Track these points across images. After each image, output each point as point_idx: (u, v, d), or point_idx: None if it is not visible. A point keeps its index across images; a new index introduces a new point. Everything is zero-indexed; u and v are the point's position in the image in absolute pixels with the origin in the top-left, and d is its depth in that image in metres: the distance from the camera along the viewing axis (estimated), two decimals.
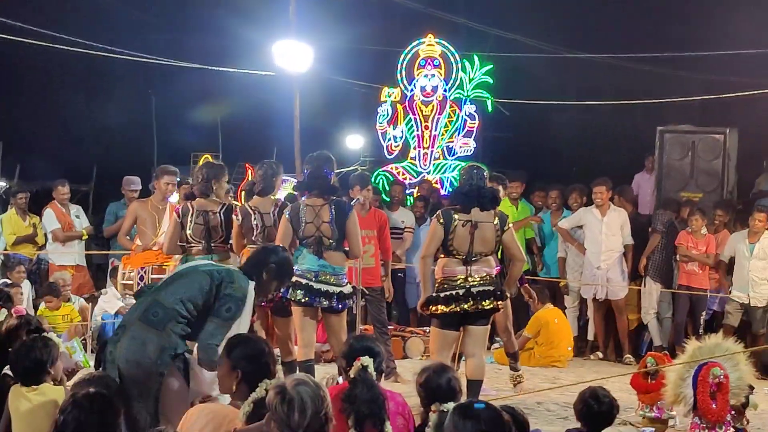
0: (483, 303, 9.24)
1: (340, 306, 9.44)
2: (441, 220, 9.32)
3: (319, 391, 5.02)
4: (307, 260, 9.38)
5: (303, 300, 9.32)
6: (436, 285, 9.38)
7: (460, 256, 9.30)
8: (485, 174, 9.64)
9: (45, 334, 7.26)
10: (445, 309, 9.24)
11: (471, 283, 9.25)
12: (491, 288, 9.31)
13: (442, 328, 9.38)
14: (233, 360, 5.84)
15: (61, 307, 13.26)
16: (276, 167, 10.12)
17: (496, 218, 9.38)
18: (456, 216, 9.31)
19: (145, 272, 11.50)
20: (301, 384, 5.02)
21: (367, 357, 5.91)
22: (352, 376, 5.89)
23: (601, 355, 14.20)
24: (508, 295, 9.76)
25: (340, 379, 6.35)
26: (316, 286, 9.32)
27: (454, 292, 9.24)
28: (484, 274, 9.33)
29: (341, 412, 5.73)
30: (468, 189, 9.42)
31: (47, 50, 18.02)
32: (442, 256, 9.41)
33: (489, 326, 9.67)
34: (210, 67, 20.13)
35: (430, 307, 9.34)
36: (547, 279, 14.50)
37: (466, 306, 9.20)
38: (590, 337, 14.46)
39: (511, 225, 9.57)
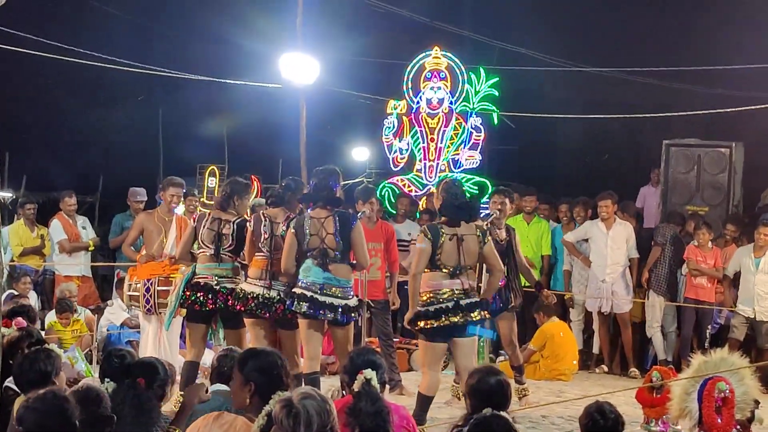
0: (472, 315, 9.29)
1: (345, 319, 9.46)
2: (429, 236, 9.33)
3: (325, 404, 5.02)
4: (312, 273, 9.40)
5: (307, 312, 9.34)
6: (423, 299, 9.37)
7: (447, 269, 9.32)
8: (463, 188, 9.85)
9: (46, 345, 7.28)
10: (434, 323, 9.25)
11: (458, 296, 9.29)
12: (478, 299, 9.39)
13: (432, 341, 9.38)
14: (246, 373, 5.83)
15: (71, 321, 13.35)
16: (297, 184, 10.17)
17: (478, 230, 9.43)
18: (443, 230, 9.35)
19: (151, 284, 11.49)
20: (307, 397, 5.01)
21: (369, 370, 5.90)
22: (355, 389, 5.87)
23: (606, 368, 14.21)
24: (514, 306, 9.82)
25: (345, 392, 6.35)
26: (321, 298, 9.34)
27: (443, 306, 9.26)
28: (468, 287, 9.39)
29: (346, 426, 5.74)
30: (460, 203, 9.48)
31: (54, 61, 18.02)
32: (427, 270, 9.41)
33: (477, 336, 9.69)
34: (216, 80, 20.14)
35: (419, 322, 9.34)
36: (553, 292, 14.51)
37: (455, 319, 9.24)
38: (595, 350, 14.47)
39: (489, 238, 9.58)
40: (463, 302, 9.27)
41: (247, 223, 9.96)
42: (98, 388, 6.09)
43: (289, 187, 10.08)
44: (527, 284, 11.96)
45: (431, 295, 9.33)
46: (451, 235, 9.31)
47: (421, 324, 9.32)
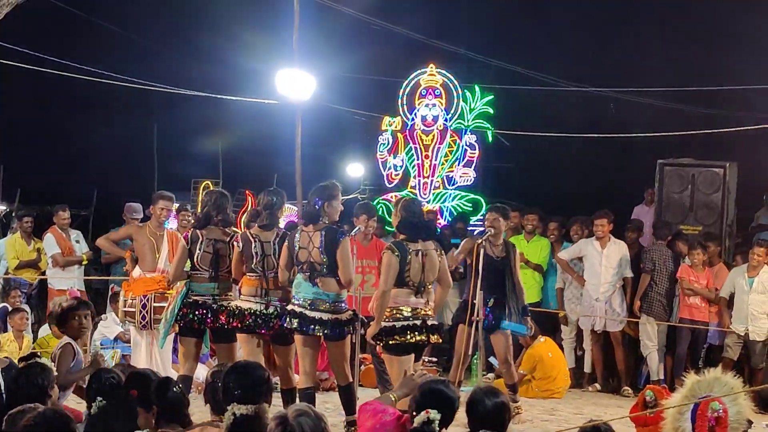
0: (433, 337, 9.45)
1: (336, 333, 9.43)
2: (396, 253, 9.39)
3: (320, 422, 5.03)
4: (302, 288, 9.44)
5: (298, 329, 9.35)
6: (388, 314, 9.43)
7: (413, 286, 9.40)
8: (422, 207, 10.10)
9: (39, 359, 7.29)
10: (401, 339, 9.31)
11: (424, 315, 9.43)
12: (437, 322, 9.56)
13: (400, 355, 9.40)
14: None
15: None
16: (280, 198, 10.15)
17: (435, 245, 9.56)
18: (410, 246, 9.44)
19: (147, 300, 11.49)
20: (302, 414, 5.02)
21: (435, 412, 5.70)
22: (415, 425, 5.74)
23: (599, 386, 14.20)
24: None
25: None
26: (310, 314, 9.33)
27: (410, 323, 9.35)
28: (430, 308, 9.55)
29: None
30: (417, 221, 9.61)
31: (51, 76, 18.07)
32: (395, 287, 9.45)
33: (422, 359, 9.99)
34: (212, 95, 20.17)
35: (385, 338, 9.38)
36: (545, 310, 14.52)
37: (421, 337, 9.35)
38: (587, 368, 14.46)
39: (441, 252, 9.68)
40: (429, 322, 9.42)
41: (235, 242, 9.94)
42: None
43: (279, 204, 10.09)
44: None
45: (396, 311, 9.42)
46: (416, 251, 9.42)
47: (388, 340, 9.37)
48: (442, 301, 9.94)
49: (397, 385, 7.10)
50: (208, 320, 9.89)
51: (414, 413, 5.81)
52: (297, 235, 9.49)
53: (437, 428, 5.72)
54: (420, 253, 9.41)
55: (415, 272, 9.39)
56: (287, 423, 4.97)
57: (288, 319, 9.37)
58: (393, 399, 6.61)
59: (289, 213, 17.79)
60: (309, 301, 9.36)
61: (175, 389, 6.31)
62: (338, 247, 9.39)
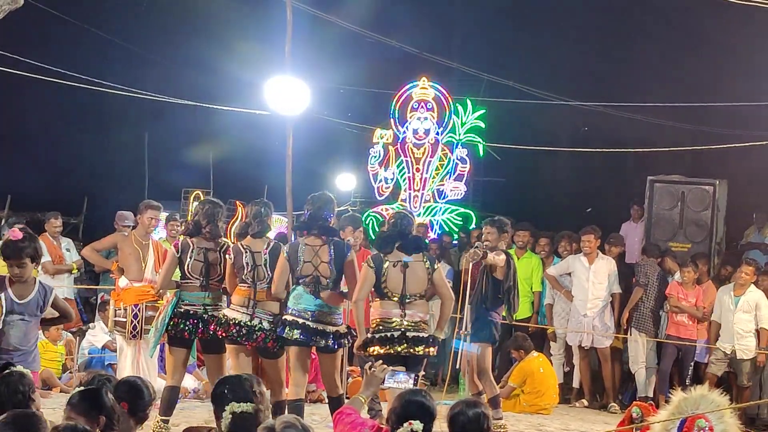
0: (416, 348, 9.41)
1: (335, 345, 9.54)
2: (371, 264, 9.48)
3: None
4: (303, 299, 9.48)
5: (300, 339, 9.39)
6: (373, 326, 9.52)
7: (395, 297, 9.45)
8: (413, 222, 9.94)
9: (15, 368, 7.27)
10: (380, 350, 9.35)
11: (406, 327, 9.43)
12: (425, 335, 9.49)
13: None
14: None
15: (61, 341, 13.38)
16: (267, 208, 10.16)
17: (426, 259, 9.58)
18: (386, 258, 9.50)
19: (139, 310, 11.48)
20: (289, 426, 5.04)
21: (418, 422, 5.78)
22: None
23: (586, 402, 14.22)
24: (440, 337, 9.83)
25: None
26: (313, 325, 9.41)
27: (389, 334, 9.39)
28: (419, 320, 9.54)
29: None
30: (388, 234, 9.68)
31: (42, 83, 18.03)
32: (377, 299, 9.55)
33: (420, 373, 9.85)
34: (203, 105, 20.17)
35: (368, 348, 9.46)
36: (535, 326, 14.53)
37: (399, 348, 9.36)
38: (575, 384, 14.49)
39: (439, 266, 9.73)
40: (409, 334, 9.40)
41: (227, 255, 9.94)
42: None
43: (267, 213, 10.08)
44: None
45: (379, 322, 9.49)
46: (395, 262, 9.47)
47: (370, 350, 9.44)
48: (446, 315, 9.86)
49: (362, 385, 7.12)
50: (199, 330, 9.87)
51: (395, 426, 5.84)
52: (300, 248, 9.52)
53: None
54: (400, 263, 9.44)
55: (394, 284, 9.44)
56: None
57: (287, 330, 9.40)
58: (362, 400, 6.69)
59: (279, 225, 17.80)
60: (311, 313, 9.42)
61: (109, 399, 6.17)
62: (347, 260, 9.56)
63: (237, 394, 5.88)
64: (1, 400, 6.78)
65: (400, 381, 7.89)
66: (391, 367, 7.58)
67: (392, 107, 19.31)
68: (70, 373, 13.35)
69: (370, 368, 7.08)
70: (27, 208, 22.12)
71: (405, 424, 5.77)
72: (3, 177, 23.06)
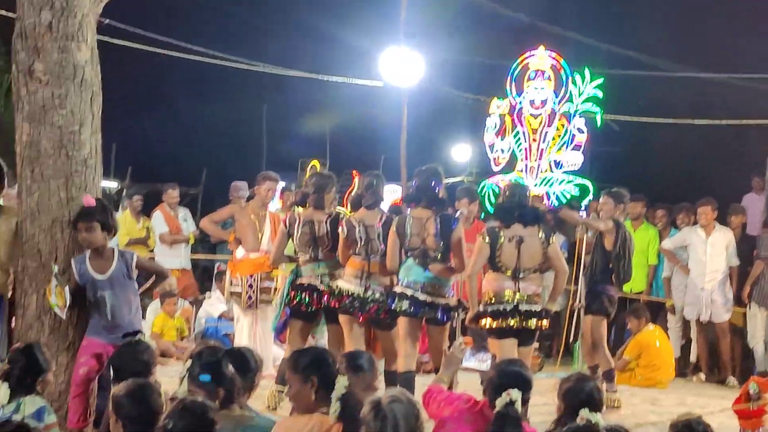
0: (529, 322, 9.41)
1: (444, 318, 9.56)
2: (486, 238, 9.49)
3: (413, 409, 5.05)
4: (413, 272, 9.52)
5: (408, 311, 9.43)
6: (485, 299, 9.53)
7: (508, 271, 9.42)
8: (528, 192, 10.01)
9: (141, 337, 7.43)
10: (492, 323, 9.39)
11: (519, 300, 9.41)
12: (538, 308, 9.46)
13: (499, 339, 9.45)
14: (302, 372, 5.89)
15: (177, 312, 13.61)
16: (379, 179, 10.18)
17: (541, 232, 9.51)
18: (501, 233, 9.44)
19: (254, 280, 11.60)
20: (395, 401, 5.05)
21: (516, 391, 5.80)
22: (497, 409, 5.79)
23: (703, 377, 14.00)
24: (553, 309, 9.75)
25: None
26: (422, 297, 9.46)
27: (501, 307, 9.39)
28: (532, 293, 9.49)
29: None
30: (509, 205, 9.63)
31: (161, 55, 18.30)
32: (491, 271, 9.55)
33: (534, 346, 9.94)
34: (319, 76, 20.26)
35: (480, 320, 9.49)
36: (652, 299, 14.35)
37: (512, 322, 9.37)
38: (693, 358, 14.27)
39: (554, 239, 9.65)
40: (522, 307, 9.39)
41: (339, 228, 9.98)
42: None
43: (378, 183, 10.10)
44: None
45: (493, 295, 9.48)
46: (511, 236, 9.43)
47: (482, 323, 9.48)
48: (559, 287, 9.81)
49: (442, 365, 7.12)
50: (314, 302, 9.99)
51: (493, 396, 5.84)
52: (407, 221, 9.56)
53: (520, 408, 5.76)
54: (515, 239, 9.38)
55: (508, 258, 9.40)
56: (380, 408, 5.01)
57: (396, 301, 9.47)
58: (444, 380, 6.71)
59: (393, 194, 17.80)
60: (420, 285, 9.47)
61: (232, 370, 6.21)
62: (453, 233, 9.53)
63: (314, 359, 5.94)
64: (123, 367, 6.96)
65: (481, 360, 7.89)
66: (469, 347, 7.60)
67: (508, 77, 19.14)
68: (186, 340, 13.56)
69: (451, 351, 7.07)
70: (147, 180, 22.49)
71: (503, 394, 5.78)
72: (124, 149, 23.49)
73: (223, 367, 6.14)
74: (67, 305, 7.91)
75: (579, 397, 5.99)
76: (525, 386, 5.94)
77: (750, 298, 13.76)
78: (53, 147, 7.98)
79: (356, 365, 6.40)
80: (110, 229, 8.10)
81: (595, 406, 5.92)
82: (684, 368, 14.24)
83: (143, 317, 14.05)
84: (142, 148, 25.21)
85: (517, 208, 9.58)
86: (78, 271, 7.98)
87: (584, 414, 5.74)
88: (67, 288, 7.90)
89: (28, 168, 8.03)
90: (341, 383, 5.57)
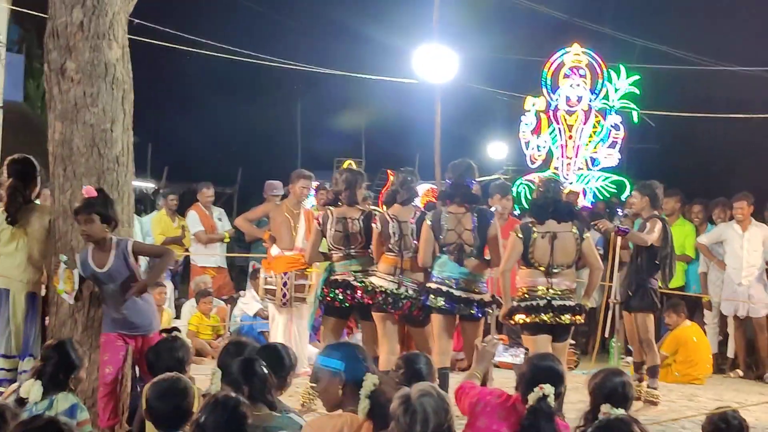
0: (562, 317, 9.32)
1: (479, 314, 9.54)
2: (519, 234, 9.40)
3: (443, 403, 5.02)
4: (448, 267, 9.48)
5: (444, 307, 9.41)
6: (519, 295, 9.45)
7: (541, 267, 9.35)
8: (561, 188, 9.86)
9: (178, 334, 7.45)
10: (526, 319, 9.32)
11: (552, 296, 9.32)
12: (571, 303, 9.38)
13: (533, 335, 9.37)
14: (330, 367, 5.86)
15: (212, 311, 13.66)
16: (413, 176, 10.18)
17: (575, 228, 9.41)
18: (534, 228, 9.39)
19: (288, 278, 11.60)
20: (425, 395, 5.02)
21: (549, 386, 5.77)
22: (530, 403, 5.78)
23: (741, 373, 13.88)
24: (588, 305, 9.69)
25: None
26: (457, 293, 9.43)
27: (534, 303, 9.31)
28: (565, 288, 9.41)
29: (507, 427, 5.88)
30: (543, 201, 9.52)
31: (195, 56, 18.37)
32: (524, 267, 9.46)
33: (568, 342, 9.77)
34: (352, 74, 20.25)
35: (513, 316, 9.43)
36: (688, 294, 14.25)
37: (545, 317, 9.28)
38: (730, 354, 14.16)
39: (588, 235, 9.55)
40: (555, 303, 9.31)
41: (373, 224, 9.97)
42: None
43: (407, 181, 10.09)
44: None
45: (526, 291, 9.40)
46: (544, 232, 9.36)
47: (516, 319, 9.41)
48: (594, 284, 9.72)
49: (474, 360, 7.07)
50: (348, 298, 9.99)
51: (525, 391, 5.81)
52: (442, 217, 9.53)
53: (553, 402, 5.72)
54: (549, 235, 9.33)
55: (541, 254, 9.33)
56: (410, 403, 4.98)
57: (431, 297, 9.44)
58: (477, 376, 6.67)
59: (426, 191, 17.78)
60: (455, 281, 9.44)
61: (261, 369, 6.16)
62: (490, 228, 9.52)
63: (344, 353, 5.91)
64: (158, 363, 6.99)
65: (514, 355, 7.84)
66: (501, 341, 7.57)
67: (544, 74, 19.11)
68: (222, 339, 13.58)
69: (483, 346, 7.03)
70: (183, 179, 22.58)
71: (536, 389, 5.76)
72: (160, 149, 23.62)
73: (249, 364, 6.12)
74: (75, 290, 7.91)
75: (603, 392, 5.97)
76: (557, 380, 5.91)
77: None
78: (85, 145, 8.01)
79: (415, 370, 6.42)
80: (110, 221, 7.91)
81: (619, 401, 5.91)
82: (722, 364, 14.13)
83: (178, 316, 14.19)
84: (178, 148, 25.31)
85: (551, 204, 9.52)
86: (81, 265, 7.93)
87: (605, 409, 5.74)
88: (76, 271, 7.89)
89: (61, 166, 8.07)
90: (369, 381, 5.54)
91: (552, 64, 19.06)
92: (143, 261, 9.79)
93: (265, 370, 6.14)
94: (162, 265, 8.44)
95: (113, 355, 7.89)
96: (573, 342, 13.67)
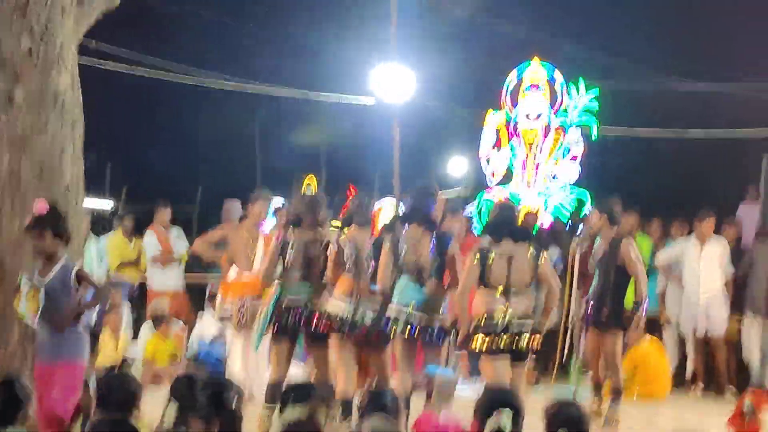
0: (520, 341, 9.30)
1: (440, 338, 9.58)
2: (476, 259, 9.36)
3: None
4: (408, 290, 9.51)
5: (404, 332, 9.38)
6: (476, 319, 9.36)
7: (499, 288, 9.30)
8: (517, 210, 10.20)
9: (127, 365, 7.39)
10: (483, 344, 9.23)
11: (510, 318, 9.26)
12: (529, 326, 9.35)
13: (492, 359, 9.32)
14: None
15: (170, 335, 13.53)
16: (369, 198, 10.18)
17: (531, 249, 9.39)
18: (492, 249, 9.37)
19: (245, 301, 11.53)
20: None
21: (507, 412, 5.75)
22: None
23: (702, 385, 13.85)
24: (546, 326, 9.69)
25: None
26: (417, 317, 9.45)
27: (492, 327, 9.26)
28: (523, 310, 9.38)
29: None
30: (499, 221, 9.57)
31: (153, 75, 18.27)
32: (482, 287, 9.42)
33: (527, 364, 9.76)
34: (310, 94, 20.24)
35: (472, 341, 9.34)
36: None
37: (503, 341, 9.23)
38: (689, 371, 14.16)
39: (545, 255, 9.54)
40: (513, 326, 9.26)
41: (330, 244, 9.91)
42: None
43: (368, 203, 10.10)
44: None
45: (483, 313, 9.34)
46: (501, 253, 9.31)
47: (473, 343, 9.32)
48: (550, 304, 9.70)
49: (434, 395, 7.05)
50: (302, 323, 9.92)
51: (483, 417, 5.78)
52: (401, 240, 9.56)
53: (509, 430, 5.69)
54: (504, 256, 9.30)
55: (498, 274, 9.30)
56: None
57: (392, 322, 9.45)
58: (437, 409, 6.67)
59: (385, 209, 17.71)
60: (416, 304, 9.44)
61: (232, 402, 6.12)
62: (449, 250, 9.57)
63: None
64: (109, 394, 6.87)
65: (476, 390, 7.81)
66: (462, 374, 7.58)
67: (503, 89, 19.08)
68: (178, 362, 13.46)
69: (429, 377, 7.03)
70: (142, 198, 22.42)
71: (493, 416, 5.71)
72: (119, 169, 23.49)
73: (224, 399, 6.07)
74: (40, 309, 7.82)
75: (560, 419, 5.94)
76: (515, 408, 5.85)
77: (744, 308, 13.65)
78: (34, 176, 7.90)
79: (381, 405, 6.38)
80: (62, 235, 7.89)
81: (576, 427, 5.85)
82: (682, 381, 14.13)
83: (134, 337, 14.04)
84: (136, 167, 25.16)
85: (507, 225, 9.53)
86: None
87: None
88: (43, 289, 7.83)
89: (9, 198, 7.94)
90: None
91: (515, 75, 19.02)
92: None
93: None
94: (95, 301, 8.35)
95: (43, 392, 7.76)
96: (534, 356, 13.68)
